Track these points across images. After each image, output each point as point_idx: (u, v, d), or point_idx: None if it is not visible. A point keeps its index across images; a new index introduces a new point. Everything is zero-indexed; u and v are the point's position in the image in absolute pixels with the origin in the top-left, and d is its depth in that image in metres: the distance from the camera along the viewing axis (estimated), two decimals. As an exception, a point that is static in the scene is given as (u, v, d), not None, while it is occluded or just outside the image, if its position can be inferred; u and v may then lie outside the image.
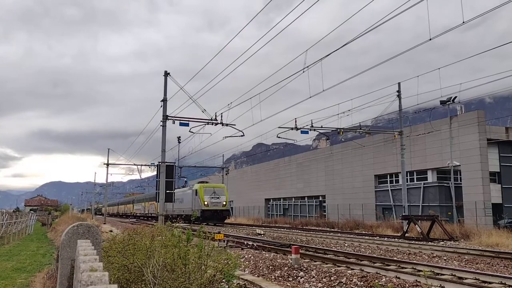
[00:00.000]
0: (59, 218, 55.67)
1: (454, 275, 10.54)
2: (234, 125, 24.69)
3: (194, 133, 25.95)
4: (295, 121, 27.36)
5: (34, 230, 41.70)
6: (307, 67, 18.33)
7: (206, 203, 42.43)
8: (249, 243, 19.03)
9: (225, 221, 50.45)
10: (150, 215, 63.18)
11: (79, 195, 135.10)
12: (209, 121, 23.93)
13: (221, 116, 24.09)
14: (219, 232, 20.25)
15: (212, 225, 44.76)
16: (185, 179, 57.31)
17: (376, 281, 9.55)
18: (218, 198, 43.25)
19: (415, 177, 42.87)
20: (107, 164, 52.43)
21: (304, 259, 13.88)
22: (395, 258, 13.72)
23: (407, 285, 9.06)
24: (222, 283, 6.80)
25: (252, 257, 14.20)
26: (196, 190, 44.09)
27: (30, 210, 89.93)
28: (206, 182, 47.36)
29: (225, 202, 44.00)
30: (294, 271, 11.33)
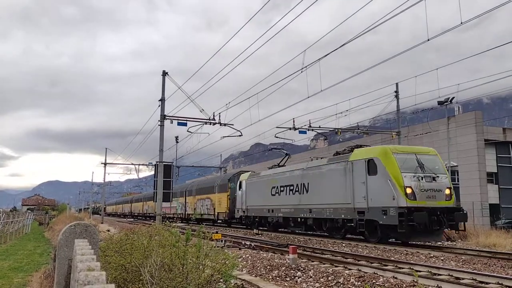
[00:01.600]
0: (56, 217, 55.58)
1: (451, 275, 10.56)
2: (232, 125, 24.70)
3: (192, 132, 25.96)
4: (293, 121, 27.40)
5: (31, 230, 41.61)
6: (305, 67, 18.35)
7: (410, 191, 17.82)
8: (246, 243, 19.03)
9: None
10: (200, 216, 40.55)
11: (77, 194, 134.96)
12: (207, 121, 23.93)
13: (219, 116, 24.11)
14: (216, 232, 20.25)
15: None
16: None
17: (373, 281, 9.56)
18: (434, 179, 18.61)
19: (412, 177, 42.86)
20: (105, 164, 52.38)
21: (302, 259, 13.88)
22: (392, 258, 13.74)
23: (405, 285, 9.07)
24: (220, 283, 6.80)
25: (249, 257, 14.20)
26: (370, 160, 19.21)
27: (27, 209, 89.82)
28: (363, 146, 22.47)
29: (450, 188, 18.92)
30: (292, 271, 11.34)
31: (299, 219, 24.66)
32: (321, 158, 25.97)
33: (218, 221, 39.11)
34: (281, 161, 30.73)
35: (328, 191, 21.84)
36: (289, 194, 25.63)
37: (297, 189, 24.86)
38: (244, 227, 32.38)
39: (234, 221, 34.49)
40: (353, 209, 19.84)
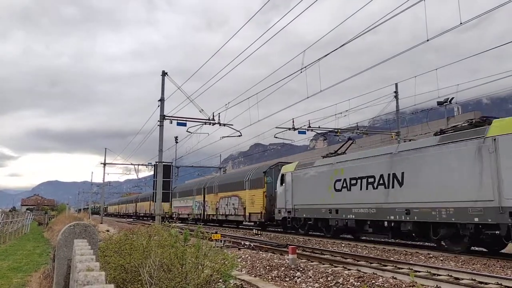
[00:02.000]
0: (56, 217, 55.56)
1: (451, 276, 10.57)
2: (232, 125, 24.72)
3: (191, 133, 25.97)
4: (293, 121, 27.44)
5: (30, 230, 41.59)
6: (305, 67, 18.36)
7: None
8: (246, 243, 19.04)
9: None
10: (224, 217, 35.31)
11: (76, 194, 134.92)
12: (207, 121, 23.94)
13: (219, 116, 24.13)
14: (216, 232, 20.26)
15: (210, 225, 37.49)
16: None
17: (373, 281, 9.57)
18: None
19: (412, 177, 42.65)
20: (104, 164, 52.34)
21: (301, 259, 13.89)
22: (391, 259, 13.75)
23: (404, 286, 9.08)
24: (219, 283, 6.80)
25: (249, 257, 14.20)
26: None
27: (27, 209, 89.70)
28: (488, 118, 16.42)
29: None
30: (291, 271, 11.34)
31: (386, 223, 18.07)
32: (409, 140, 18.76)
33: (248, 223, 33.52)
34: (340, 147, 24.20)
35: (445, 183, 15.47)
36: (368, 188, 19.08)
37: (381, 182, 18.34)
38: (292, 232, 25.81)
39: (273, 223, 28.39)
40: (498, 209, 13.58)
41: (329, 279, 10.28)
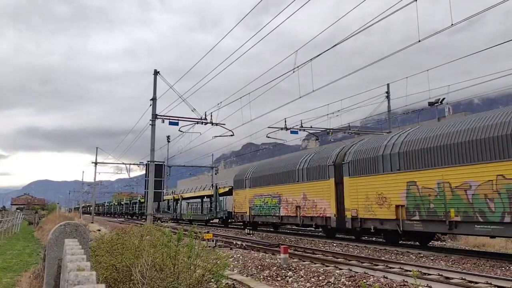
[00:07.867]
0: (46, 217, 55.09)
1: (441, 275, 10.65)
2: (224, 124, 24.69)
3: (183, 132, 25.90)
4: (285, 121, 27.49)
5: (20, 229, 41.21)
6: (297, 67, 18.38)
7: None
8: (238, 243, 19.03)
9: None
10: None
11: (67, 194, 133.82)
12: (199, 120, 23.89)
13: (211, 116, 24.10)
14: (208, 232, 20.23)
15: (202, 225, 38.75)
16: None
17: (364, 281, 9.61)
18: None
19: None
20: (95, 163, 51.99)
21: (293, 259, 13.92)
22: (382, 258, 13.82)
23: (395, 285, 9.12)
24: (211, 283, 6.80)
25: (241, 257, 14.20)
26: None
27: (17, 209, 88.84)
28: None
29: None
30: (283, 271, 11.35)
31: None
32: None
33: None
34: None
35: None
36: None
37: None
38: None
39: None
40: None
41: (320, 278, 10.30)
